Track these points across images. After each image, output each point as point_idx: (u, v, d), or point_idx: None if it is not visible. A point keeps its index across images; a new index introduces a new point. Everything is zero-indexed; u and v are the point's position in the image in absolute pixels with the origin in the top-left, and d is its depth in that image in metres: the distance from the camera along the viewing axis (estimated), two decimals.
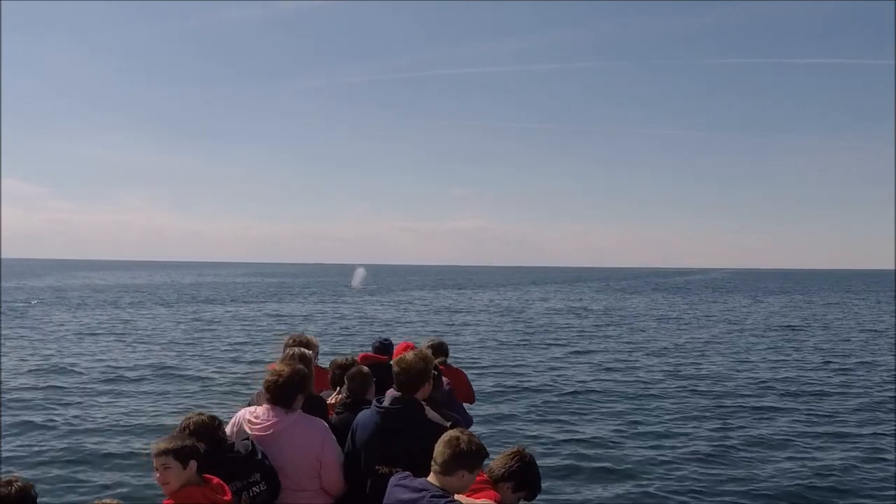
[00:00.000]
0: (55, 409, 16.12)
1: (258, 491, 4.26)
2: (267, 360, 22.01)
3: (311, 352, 5.80)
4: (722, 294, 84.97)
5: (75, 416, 15.44)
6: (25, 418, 15.17)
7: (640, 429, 15.05)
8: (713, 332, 37.03)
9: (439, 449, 3.74)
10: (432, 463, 3.77)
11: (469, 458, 3.71)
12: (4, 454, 12.57)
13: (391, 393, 4.64)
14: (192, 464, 3.83)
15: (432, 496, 3.65)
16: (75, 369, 21.81)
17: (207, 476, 3.91)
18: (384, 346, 7.21)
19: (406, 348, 6.19)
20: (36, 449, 12.94)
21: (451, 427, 4.27)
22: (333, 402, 5.46)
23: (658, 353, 27.94)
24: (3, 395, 17.51)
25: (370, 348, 7.36)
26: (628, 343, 31.27)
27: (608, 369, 23.39)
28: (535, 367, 23.71)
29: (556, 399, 18.24)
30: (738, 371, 23.23)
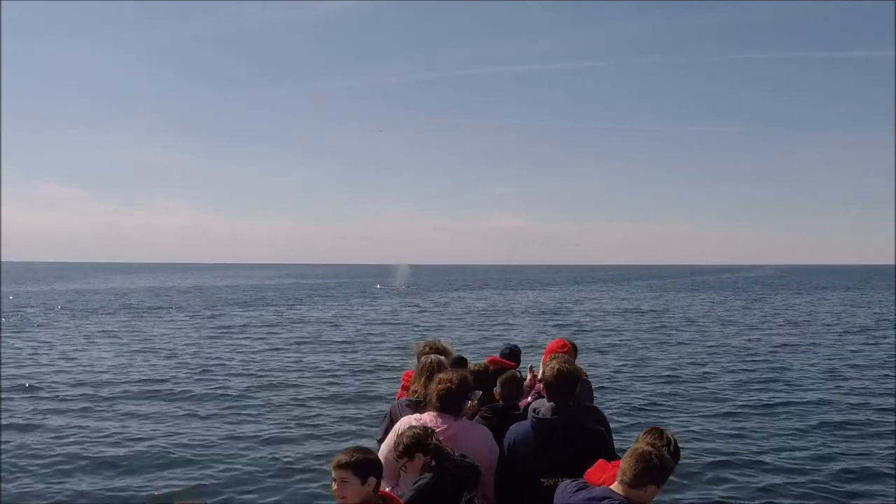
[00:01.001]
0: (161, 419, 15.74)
1: (468, 498, 4.26)
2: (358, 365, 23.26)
3: (446, 359, 5.64)
4: (777, 291, 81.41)
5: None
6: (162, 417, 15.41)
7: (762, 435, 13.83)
8: (796, 332, 34.03)
9: (630, 462, 3.64)
10: (619, 473, 3.67)
11: (660, 473, 3.65)
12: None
13: (542, 402, 4.70)
14: (372, 480, 3.74)
15: None
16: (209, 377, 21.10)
17: (385, 493, 3.90)
18: (513, 352, 6.97)
19: (562, 346, 5.99)
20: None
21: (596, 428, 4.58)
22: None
23: (747, 355, 25.51)
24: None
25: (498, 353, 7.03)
26: (720, 345, 28.52)
27: (692, 372, 21.34)
28: (623, 368, 22.07)
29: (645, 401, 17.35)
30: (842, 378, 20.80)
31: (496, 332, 34.40)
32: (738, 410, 16.41)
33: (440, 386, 4.64)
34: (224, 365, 23.32)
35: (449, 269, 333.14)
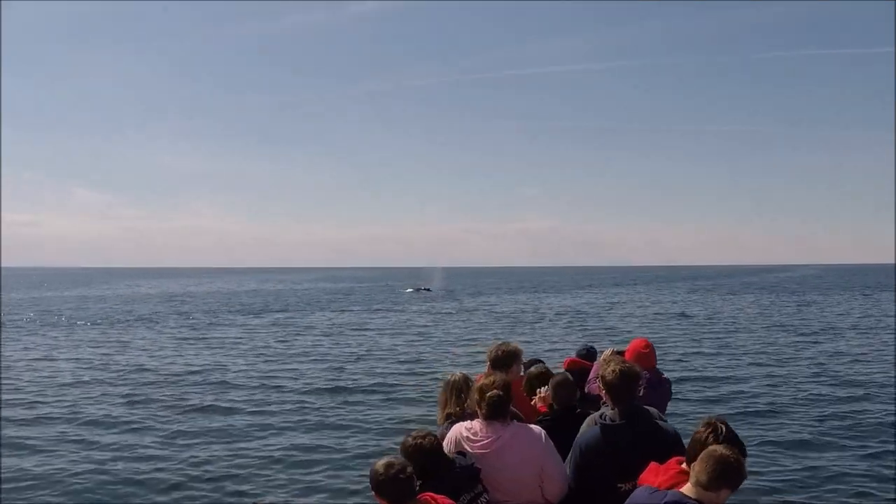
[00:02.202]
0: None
1: (485, 501, 4.27)
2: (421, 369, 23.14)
3: (519, 359, 5.83)
4: (828, 292, 77.01)
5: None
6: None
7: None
8: (865, 339, 30.71)
9: (706, 464, 3.57)
10: (692, 475, 3.63)
11: (736, 476, 3.59)
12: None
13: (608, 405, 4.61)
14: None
15: None
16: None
17: (428, 495, 3.95)
18: (589, 353, 7.09)
19: (645, 346, 6.12)
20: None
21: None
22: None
23: (817, 364, 22.85)
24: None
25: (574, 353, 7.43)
26: (787, 355, 25.47)
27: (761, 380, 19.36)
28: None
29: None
30: None
31: (535, 337, 32.35)
32: (814, 437, 13.86)
33: (490, 395, 4.56)
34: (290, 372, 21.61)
35: (482, 271, 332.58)
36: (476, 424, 4.61)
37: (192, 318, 45.72)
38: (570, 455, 4.65)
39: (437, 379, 18.42)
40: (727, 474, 3.52)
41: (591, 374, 6.56)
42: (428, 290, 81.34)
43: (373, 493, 3.96)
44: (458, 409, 5.07)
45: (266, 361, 25.15)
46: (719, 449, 3.60)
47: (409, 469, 3.93)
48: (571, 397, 5.39)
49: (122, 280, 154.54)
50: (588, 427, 4.73)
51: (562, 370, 6.70)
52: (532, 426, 4.77)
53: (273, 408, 17.12)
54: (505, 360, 5.67)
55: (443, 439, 4.77)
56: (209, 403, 17.67)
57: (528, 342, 28.74)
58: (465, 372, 5.40)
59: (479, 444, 4.53)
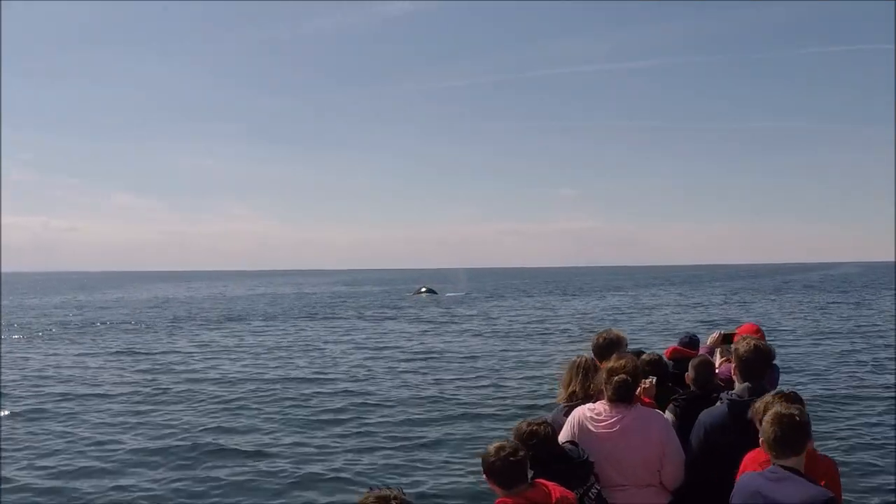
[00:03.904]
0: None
1: (596, 492, 4.23)
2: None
3: (621, 347, 5.71)
4: (880, 291, 74.98)
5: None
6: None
7: None
8: None
9: (798, 432, 3.60)
10: (791, 448, 3.60)
11: (809, 427, 3.70)
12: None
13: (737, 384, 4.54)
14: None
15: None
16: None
17: (541, 482, 3.87)
18: (692, 341, 6.86)
19: (756, 332, 5.76)
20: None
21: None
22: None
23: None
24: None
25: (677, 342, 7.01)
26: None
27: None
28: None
29: None
30: None
31: (533, 346, 30.49)
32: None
33: (617, 378, 4.56)
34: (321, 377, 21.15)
35: (513, 272, 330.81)
36: (600, 406, 4.64)
37: (171, 326, 45.67)
38: (692, 434, 4.57)
39: (366, 404, 17.61)
40: (806, 429, 3.68)
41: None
42: (433, 292, 79.23)
43: (484, 476, 3.86)
44: (581, 389, 5.09)
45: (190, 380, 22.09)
46: (785, 410, 3.71)
47: (522, 453, 3.84)
48: (711, 378, 5.36)
49: (152, 284, 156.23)
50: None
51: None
52: (656, 410, 4.79)
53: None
54: (607, 347, 5.61)
55: (557, 422, 4.80)
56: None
57: (512, 352, 27.43)
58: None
59: (603, 424, 4.55)
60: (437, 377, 21.60)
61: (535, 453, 4.04)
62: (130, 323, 44.43)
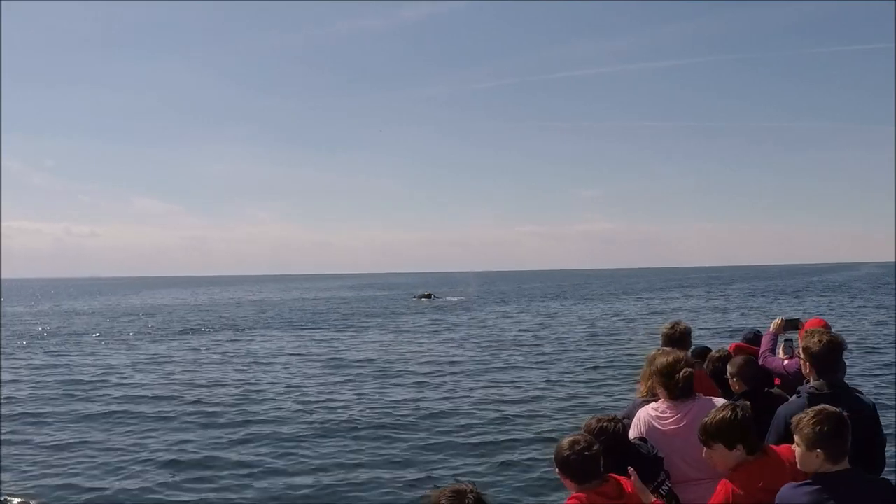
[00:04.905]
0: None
1: (667, 488, 4.27)
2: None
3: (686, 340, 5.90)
4: None
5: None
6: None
7: None
8: None
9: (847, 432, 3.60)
10: (845, 447, 3.59)
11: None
12: None
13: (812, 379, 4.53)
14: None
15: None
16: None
17: (615, 476, 3.88)
18: (756, 337, 6.92)
19: (825, 326, 5.81)
20: None
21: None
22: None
23: None
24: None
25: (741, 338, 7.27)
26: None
27: None
28: None
29: None
30: None
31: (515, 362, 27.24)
32: None
33: (681, 373, 4.60)
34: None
35: (531, 274, 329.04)
36: (662, 404, 4.68)
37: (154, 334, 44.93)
38: (771, 428, 4.51)
39: (321, 421, 17.03)
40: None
41: (763, 348, 6.43)
42: (430, 296, 78.89)
43: (556, 471, 3.86)
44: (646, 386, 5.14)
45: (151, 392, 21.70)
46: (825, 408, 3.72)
47: (597, 447, 3.79)
48: (757, 375, 5.50)
49: (170, 289, 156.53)
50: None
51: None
52: (718, 399, 4.77)
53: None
54: (681, 338, 5.64)
55: (627, 417, 4.81)
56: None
57: (475, 364, 26.30)
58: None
59: (669, 421, 4.58)
60: (382, 390, 21.13)
61: (605, 449, 3.94)
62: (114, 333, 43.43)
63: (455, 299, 78.42)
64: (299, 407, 18.79)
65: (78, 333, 44.33)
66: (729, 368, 5.49)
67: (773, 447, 4.04)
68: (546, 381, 21.99)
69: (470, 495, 3.19)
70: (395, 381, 22.83)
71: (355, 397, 19.98)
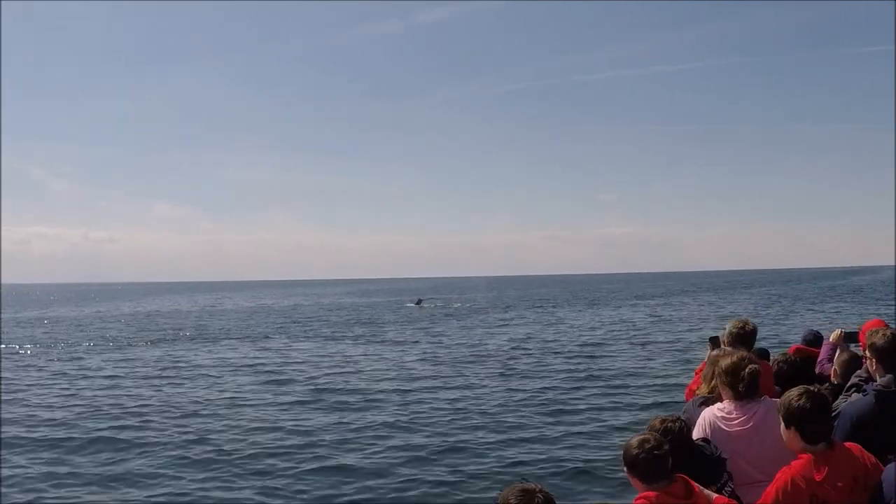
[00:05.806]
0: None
1: (730, 490, 4.21)
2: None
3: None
4: None
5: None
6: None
7: None
8: None
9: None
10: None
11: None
12: None
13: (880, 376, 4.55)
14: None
15: None
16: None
17: (683, 477, 3.84)
18: (816, 338, 6.97)
19: (885, 326, 5.63)
20: None
21: None
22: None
23: None
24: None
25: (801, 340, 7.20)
26: None
27: None
28: None
29: None
30: None
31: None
32: None
33: (749, 370, 4.60)
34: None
35: (546, 279, 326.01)
36: (728, 404, 4.67)
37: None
38: (838, 426, 4.39)
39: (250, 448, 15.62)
40: None
41: (821, 357, 6.43)
42: (420, 303, 78.17)
43: (624, 470, 3.81)
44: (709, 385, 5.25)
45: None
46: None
47: (666, 447, 3.76)
48: (850, 374, 5.48)
49: (188, 294, 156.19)
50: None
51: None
52: None
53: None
54: (750, 337, 5.75)
55: (692, 415, 4.83)
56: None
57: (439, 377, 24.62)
58: None
59: (735, 422, 4.56)
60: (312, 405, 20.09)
61: (670, 449, 3.85)
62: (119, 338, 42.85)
63: (443, 305, 77.00)
64: (199, 431, 17.12)
65: (77, 342, 44.08)
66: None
67: (844, 443, 3.97)
68: (490, 405, 19.39)
69: (539, 494, 3.17)
70: (320, 400, 20.94)
71: (273, 417, 18.59)
